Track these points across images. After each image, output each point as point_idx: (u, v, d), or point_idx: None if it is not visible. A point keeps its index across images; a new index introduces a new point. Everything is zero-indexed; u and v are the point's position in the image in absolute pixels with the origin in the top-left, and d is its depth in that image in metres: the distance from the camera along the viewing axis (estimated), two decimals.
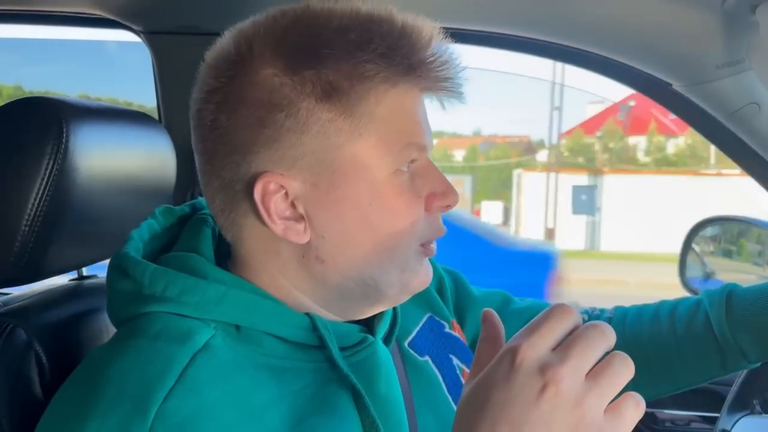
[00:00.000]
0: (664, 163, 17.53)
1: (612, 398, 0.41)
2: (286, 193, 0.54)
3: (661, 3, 0.88)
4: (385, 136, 0.54)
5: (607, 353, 0.42)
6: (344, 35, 0.53)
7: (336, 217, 0.55)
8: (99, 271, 0.86)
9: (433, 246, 0.60)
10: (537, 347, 0.42)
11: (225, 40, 0.57)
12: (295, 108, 0.52)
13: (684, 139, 17.42)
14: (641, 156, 18.21)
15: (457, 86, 0.56)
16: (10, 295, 0.76)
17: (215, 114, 0.55)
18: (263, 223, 0.55)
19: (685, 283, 1.29)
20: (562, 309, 0.43)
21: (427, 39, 0.54)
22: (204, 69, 0.57)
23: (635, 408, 0.41)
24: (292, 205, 0.55)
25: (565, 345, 0.42)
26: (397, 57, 0.53)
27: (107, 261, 0.62)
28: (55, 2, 1.04)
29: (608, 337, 0.42)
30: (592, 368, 0.41)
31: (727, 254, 1.43)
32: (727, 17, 0.86)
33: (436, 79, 0.55)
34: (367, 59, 0.52)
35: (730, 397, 1.03)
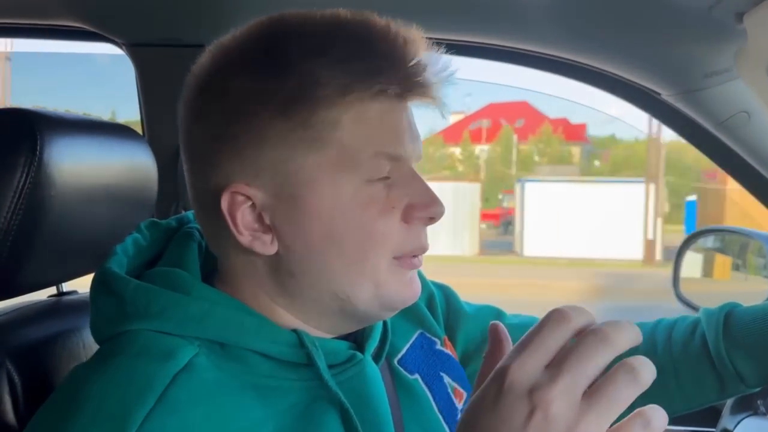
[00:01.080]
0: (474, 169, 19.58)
1: (613, 420, 0.37)
2: (254, 204, 0.53)
3: (648, 10, 0.87)
4: (349, 146, 0.52)
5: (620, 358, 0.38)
6: (303, 42, 0.52)
7: (300, 229, 0.53)
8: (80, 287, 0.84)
9: (416, 260, 0.57)
10: (526, 367, 0.38)
11: (206, 52, 0.57)
12: (256, 118, 0.52)
13: (493, 147, 19.41)
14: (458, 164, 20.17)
15: (431, 91, 0.54)
16: None
17: (189, 125, 0.56)
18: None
19: (679, 296, 1.28)
20: (556, 316, 0.39)
21: (394, 43, 0.52)
22: (186, 81, 0.57)
23: (643, 430, 0.37)
24: (260, 216, 0.54)
25: (557, 361, 0.38)
26: (355, 62, 0.51)
27: (87, 276, 0.61)
28: (37, 15, 1.03)
29: (612, 342, 0.37)
30: (593, 383, 0.37)
31: (734, 267, 1.42)
32: (714, 25, 0.85)
33: (407, 84, 0.52)
34: (322, 66, 0.51)
35: (727, 407, 1.02)
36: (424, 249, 0.57)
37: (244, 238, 0.54)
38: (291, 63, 0.51)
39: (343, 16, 0.53)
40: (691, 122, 1.07)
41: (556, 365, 0.38)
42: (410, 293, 0.57)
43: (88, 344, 0.76)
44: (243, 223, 0.53)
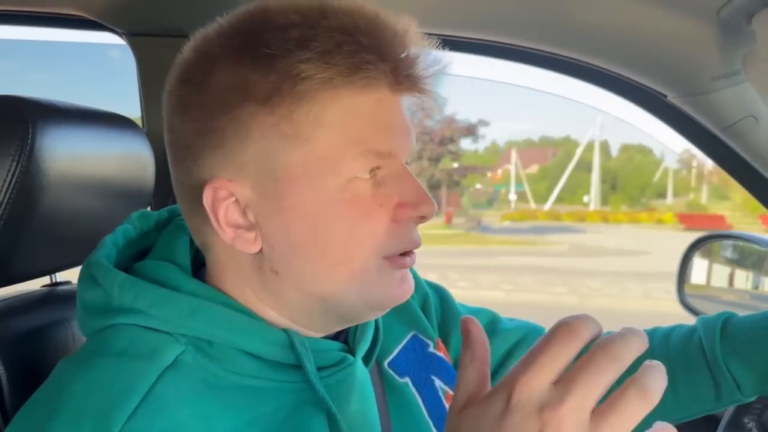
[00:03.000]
0: None
1: None
2: (237, 200, 0.52)
3: (656, 11, 0.85)
4: (336, 142, 0.50)
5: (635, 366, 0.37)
6: (286, 33, 0.49)
7: (283, 226, 0.51)
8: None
9: (407, 259, 0.55)
10: (535, 383, 0.37)
11: (190, 42, 0.55)
12: (238, 111, 0.50)
13: None
14: None
15: (422, 85, 0.52)
16: None
17: (172, 117, 0.54)
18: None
19: (684, 303, 1.26)
20: (565, 330, 0.38)
21: (382, 34, 0.50)
22: (171, 71, 0.55)
23: None
24: (244, 212, 0.52)
25: (567, 377, 0.37)
26: (340, 56, 0.48)
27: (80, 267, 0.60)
28: (37, 3, 1.02)
29: (621, 358, 0.37)
30: (605, 398, 0.37)
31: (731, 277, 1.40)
32: (723, 27, 0.83)
33: (395, 77, 0.51)
34: (306, 58, 0.48)
35: (725, 419, 1.01)
36: (416, 245, 0.55)
37: (226, 235, 0.52)
38: (272, 55, 0.49)
39: (329, 6, 0.51)
40: (697, 126, 1.05)
41: (566, 383, 0.37)
42: (400, 292, 0.55)
43: (77, 336, 0.75)
44: (225, 219, 0.52)
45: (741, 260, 1.38)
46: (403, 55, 0.51)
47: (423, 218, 0.54)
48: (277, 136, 0.50)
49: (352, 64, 0.49)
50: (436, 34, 0.54)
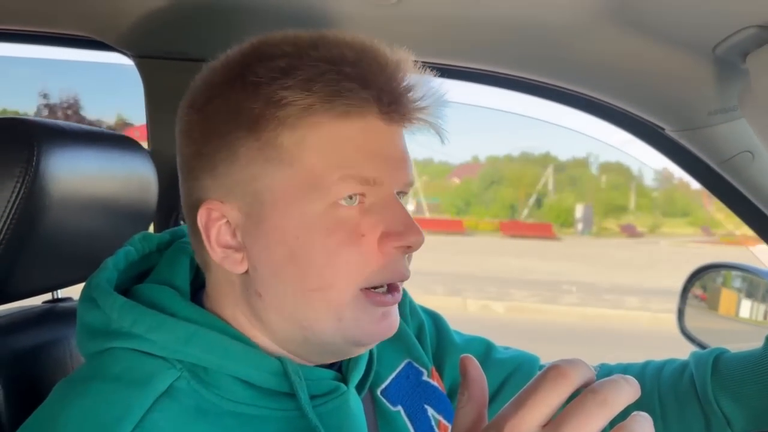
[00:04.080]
0: None
1: None
2: (228, 222, 0.54)
3: (653, 46, 0.87)
4: (317, 167, 0.51)
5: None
6: (274, 63, 0.51)
7: (266, 249, 0.53)
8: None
9: (389, 297, 0.54)
10: (523, 425, 0.38)
11: (202, 70, 0.57)
12: (229, 137, 0.52)
13: None
14: None
15: (419, 114, 0.53)
16: None
17: (179, 140, 0.57)
18: None
19: (685, 333, 1.25)
20: (554, 374, 0.38)
21: (370, 64, 0.51)
22: (184, 97, 0.58)
23: None
24: (234, 233, 0.54)
25: (556, 421, 0.37)
26: (321, 83, 0.50)
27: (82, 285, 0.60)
28: (47, 23, 1.04)
29: (610, 405, 0.37)
30: None
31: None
32: (718, 63, 0.85)
33: (380, 107, 0.52)
34: (288, 86, 0.50)
35: None
36: (401, 277, 0.54)
37: (216, 254, 0.54)
38: (259, 83, 0.51)
39: (323, 38, 0.53)
40: (695, 159, 1.06)
41: (554, 426, 0.37)
42: (379, 330, 0.55)
43: (75, 354, 0.75)
44: (217, 239, 0.54)
45: (739, 290, 1.38)
46: (392, 85, 0.51)
47: (409, 248, 0.54)
48: (262, 160, 0.52)
49: (331, 91, 0.50)
50: (433, 64, 0.55)
